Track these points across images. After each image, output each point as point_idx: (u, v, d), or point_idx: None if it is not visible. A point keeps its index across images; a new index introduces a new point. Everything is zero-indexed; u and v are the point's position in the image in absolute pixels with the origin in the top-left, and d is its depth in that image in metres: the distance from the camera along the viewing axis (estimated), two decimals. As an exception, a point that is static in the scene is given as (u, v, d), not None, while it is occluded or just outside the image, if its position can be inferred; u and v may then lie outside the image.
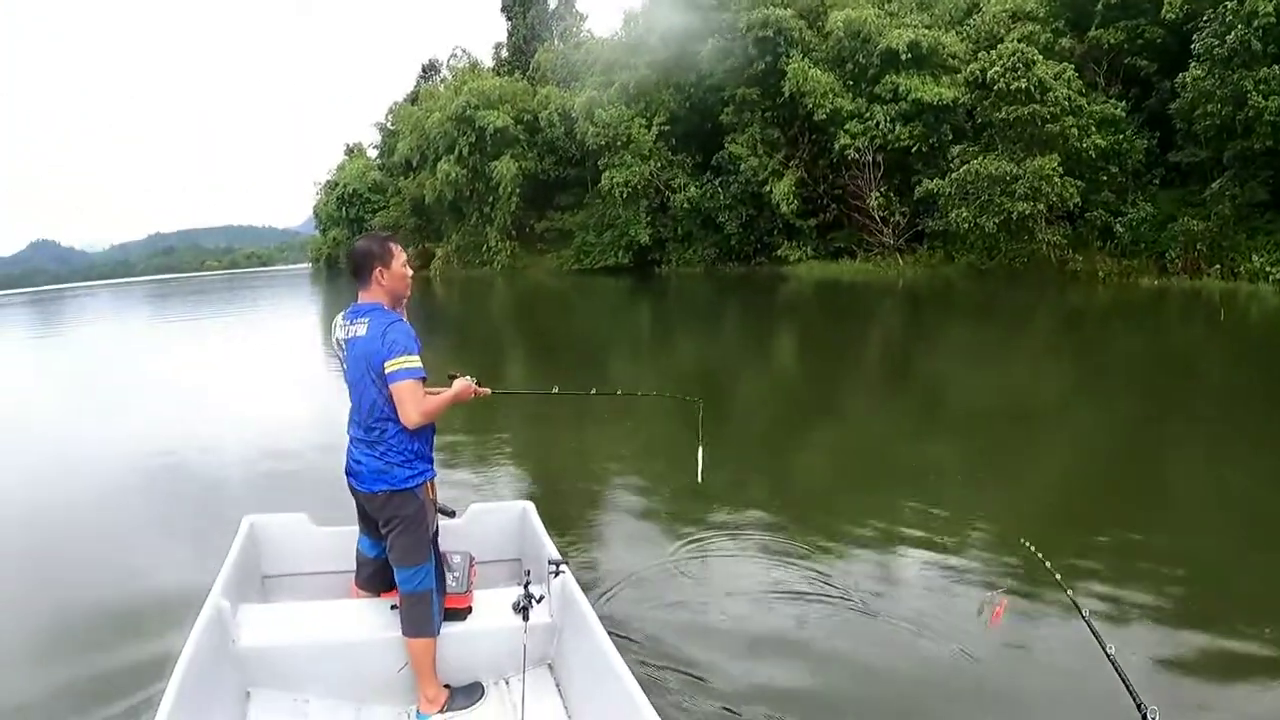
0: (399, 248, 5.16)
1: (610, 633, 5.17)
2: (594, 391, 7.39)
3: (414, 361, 4.90)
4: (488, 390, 5.63)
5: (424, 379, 4.96)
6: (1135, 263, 38.94)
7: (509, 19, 78.18)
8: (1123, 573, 7.59)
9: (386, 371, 4.89)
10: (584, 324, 34.68)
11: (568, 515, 9.47)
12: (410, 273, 5.20)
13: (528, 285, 54.84)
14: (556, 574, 5.55)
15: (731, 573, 7.82)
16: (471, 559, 5.70)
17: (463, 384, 5.35)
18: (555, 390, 6.88)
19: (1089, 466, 11.59)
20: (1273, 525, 9.00)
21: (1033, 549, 5.12)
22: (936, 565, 7.89)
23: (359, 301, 5.12)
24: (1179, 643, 6.45)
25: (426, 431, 5.16)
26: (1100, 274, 38.81)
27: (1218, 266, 37.10)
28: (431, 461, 5.26)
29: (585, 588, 5.69)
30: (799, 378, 19.55)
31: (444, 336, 30.34)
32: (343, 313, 5.22)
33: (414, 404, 4.88)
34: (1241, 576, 7.68)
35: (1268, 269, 35.91)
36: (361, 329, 5.02)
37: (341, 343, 5.16)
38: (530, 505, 6.71)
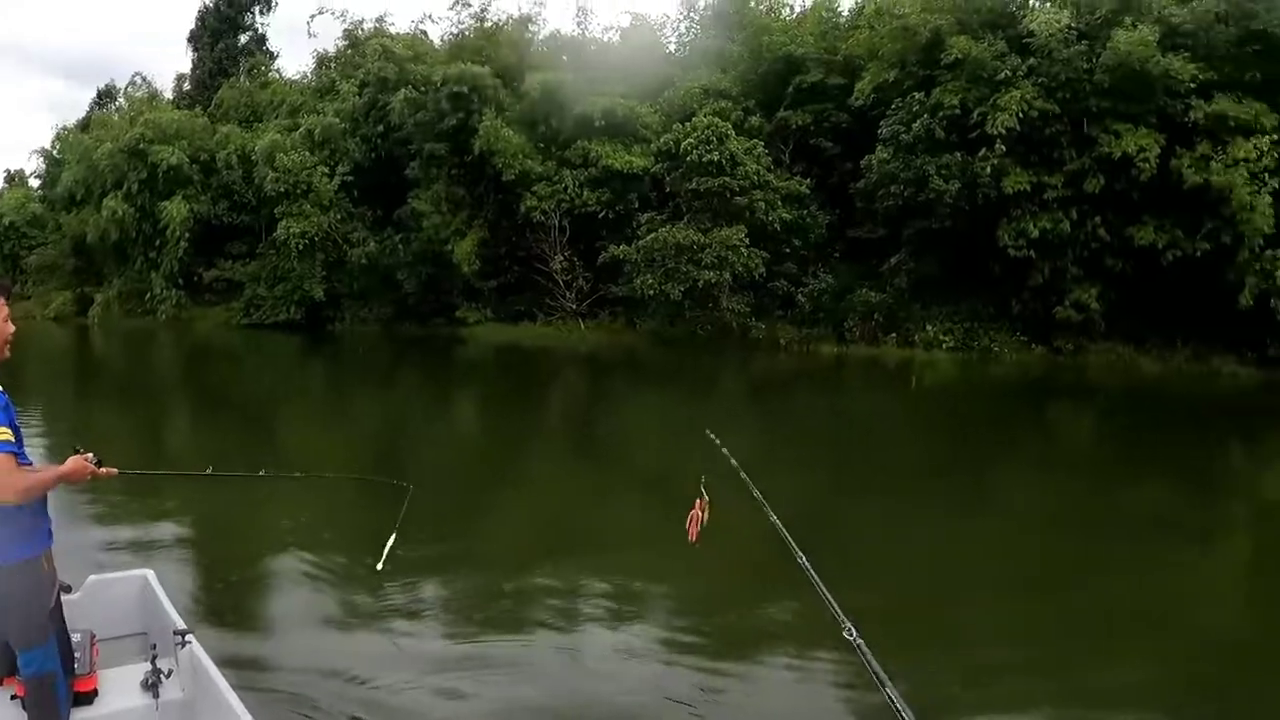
0: (2, 300, 4.80)
1: (245, 696, 5.02)
2: (263, 473, 6.94)
3: (2, 434, 4.50)
4: (113, 470, 5.15)
5: (14, 453, 4.52)
6: (815, 331, 40.54)
7: (195, 50, 73.31)
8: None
9: None
10: (254, 386, 32.79)
11: (213, 588, 9.26)
12: (12, 329, 4.82)
13: (194, 339, 51.08)
14: (183, 645, 5.35)
15: (391, 651, 7.66)
16: (93, 636, 5.42)
17: (76, 462, 4.83)
18: (209, 471, 6.38)
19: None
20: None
21: (716, 440, 5.12)
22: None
23: None
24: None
25: (33, 502, 4.71)
26: (782, 342, 40.13)
27: (894, 335, 39.74)
28: (46, 533, 4.87)
29: (220, 659, 5.50)
30: (482, 448, 19.08)
31: (96, 396, 28.21)
32: None
33: (3, 482, 4.41)
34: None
35: (940, 337, 39.16)
36: None
37: None
38: (151, 574, 6.38)
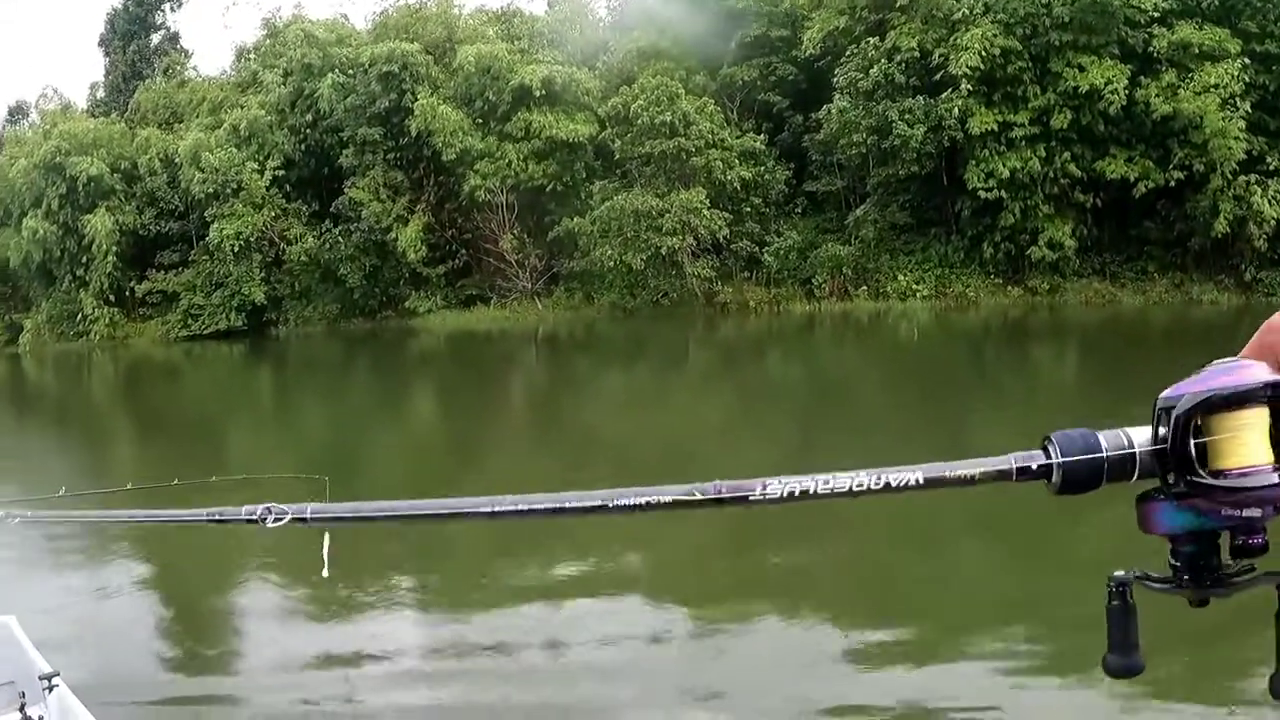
0: None
1: None
2: (130, 486, 6.64)
3: None
4: None
5: None
6: (783, 290, 39.64)
7: (107, 54, 70.23)
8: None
9: None
10: (194, 401, 31.32)
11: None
12: None
13: (131, 358, 49.05)
14: (50, 689, 5.21)
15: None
16: None
17: None
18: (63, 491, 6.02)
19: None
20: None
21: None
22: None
23: None
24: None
25: None
26: (751, 304, 39.15)
27: (864, 288, 38.93)
28: None
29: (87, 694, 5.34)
30: (439, 442, 18.21)
31: (26, 429, 26.28)
32: None
33: None
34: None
35: (914, 286, 38.48)
36: None
37: None
38: (12, 619, 6.06)
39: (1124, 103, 35.89)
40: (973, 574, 9.11)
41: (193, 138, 51.75)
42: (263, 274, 50.20)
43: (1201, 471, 0.90)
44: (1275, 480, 0.87)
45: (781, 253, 39.77)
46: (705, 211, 38.68)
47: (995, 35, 36.82)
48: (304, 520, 1.14)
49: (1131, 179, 36.57)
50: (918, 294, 38.29)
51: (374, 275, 47.77)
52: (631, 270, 39.58)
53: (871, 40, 38.70)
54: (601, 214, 39.93)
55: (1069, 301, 37.03)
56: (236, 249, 49.04)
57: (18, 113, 78.11)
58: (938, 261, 39.37)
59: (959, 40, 37.08)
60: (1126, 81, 36.02)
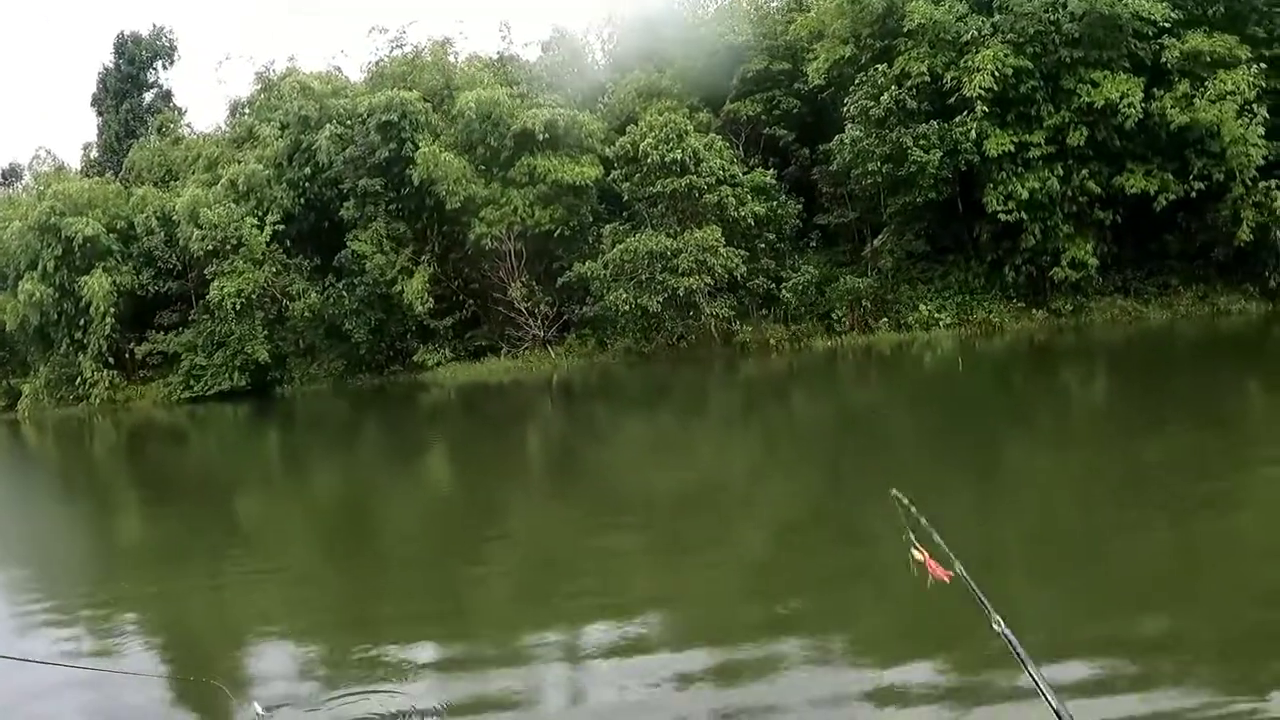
0: None
1: None
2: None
3: None
4: None
5: None
6: (803, 326, 39.20)
7: (100, 114, 69.73)
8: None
9: None
10: (199, 469, 29.70)
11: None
12: None
13: (133, 421, 48.06)
14: None
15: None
16: None
17: None
18: None
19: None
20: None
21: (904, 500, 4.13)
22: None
23: None
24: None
25: None
26: (771, 342, 38.58)
27: (885, 320, 38.68)
28: None
29: None
30: (457, 498, 17.47)
31: (21, 503, 25.49)
32: None
33: None
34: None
35: (935, 315, 38.12)
36: None
37: None
38: None
39: (1139, 116, 35.43)
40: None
41: (189, 194, 50.88)
42: (265, 332, 49.09)
43: None
44: None
45: (799, 288, 39.03)
46: (722, 250, 38.04)
47: (1006, 55, 36.32)
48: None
49: (1151, 192, 36.07)
50: (940, 322, 37.77)
51: (380, 329, 46.72)
52: (647, 313, 38.75)
53: (880, 67, 38.24)
54: (613, 257, 39.11)
55: (1094, 321, 36.64)
56: (238, 307, 48.01)
57: (11, 175, 77.21)
58: (958, 288, 38.87)
59: (970, 62, 36.67)
60: (1141, 94, 35.59)
